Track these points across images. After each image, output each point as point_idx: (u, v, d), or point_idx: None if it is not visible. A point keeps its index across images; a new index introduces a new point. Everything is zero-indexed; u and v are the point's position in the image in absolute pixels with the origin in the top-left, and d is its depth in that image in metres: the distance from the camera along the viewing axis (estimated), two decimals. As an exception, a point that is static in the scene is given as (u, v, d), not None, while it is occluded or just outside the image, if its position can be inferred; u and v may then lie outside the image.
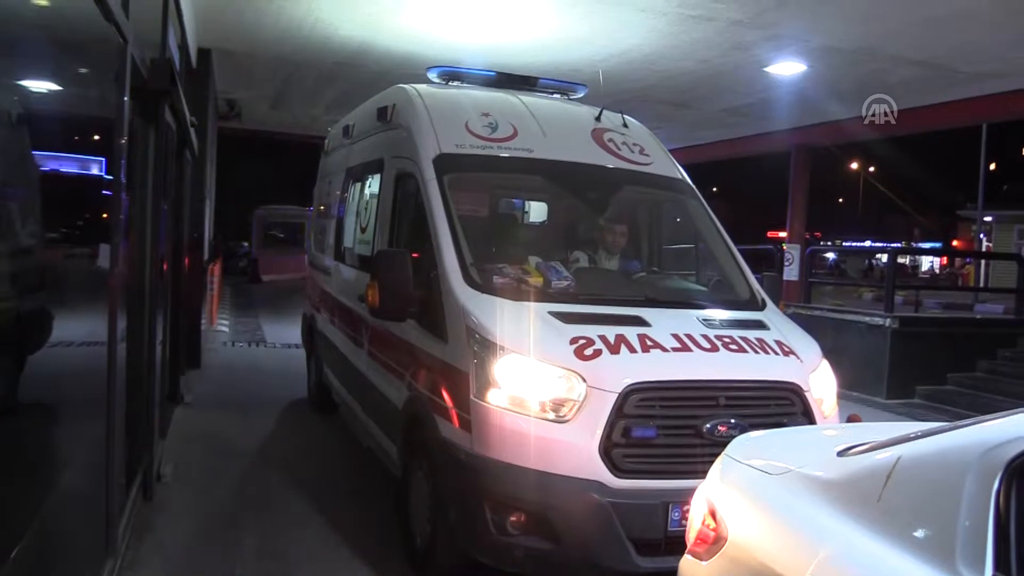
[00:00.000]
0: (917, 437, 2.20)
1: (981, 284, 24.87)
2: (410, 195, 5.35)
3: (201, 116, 10.47)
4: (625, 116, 6.10)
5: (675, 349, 4.16)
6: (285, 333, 12.76)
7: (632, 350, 4.08)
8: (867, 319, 11.23)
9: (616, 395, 3.87)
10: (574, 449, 3.83)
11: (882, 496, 2.04)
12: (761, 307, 5.11)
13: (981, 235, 35.97)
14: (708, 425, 3.95)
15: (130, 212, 4.54)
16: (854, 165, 55.07)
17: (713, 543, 2.46)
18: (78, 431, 3.70)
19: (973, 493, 1.82)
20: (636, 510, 3.82)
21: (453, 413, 4.15)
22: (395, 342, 5.09)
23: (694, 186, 5.94)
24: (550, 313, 4.29)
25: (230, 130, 19.69)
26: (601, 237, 5.53)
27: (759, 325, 4.71)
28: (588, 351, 4.02)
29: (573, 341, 4.07)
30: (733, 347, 4.31)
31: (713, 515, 2.52)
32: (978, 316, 13.87)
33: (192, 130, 8.61)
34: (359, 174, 6.86)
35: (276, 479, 6.04)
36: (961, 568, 1.75)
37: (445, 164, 5.07)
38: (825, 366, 4.63)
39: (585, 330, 4.15)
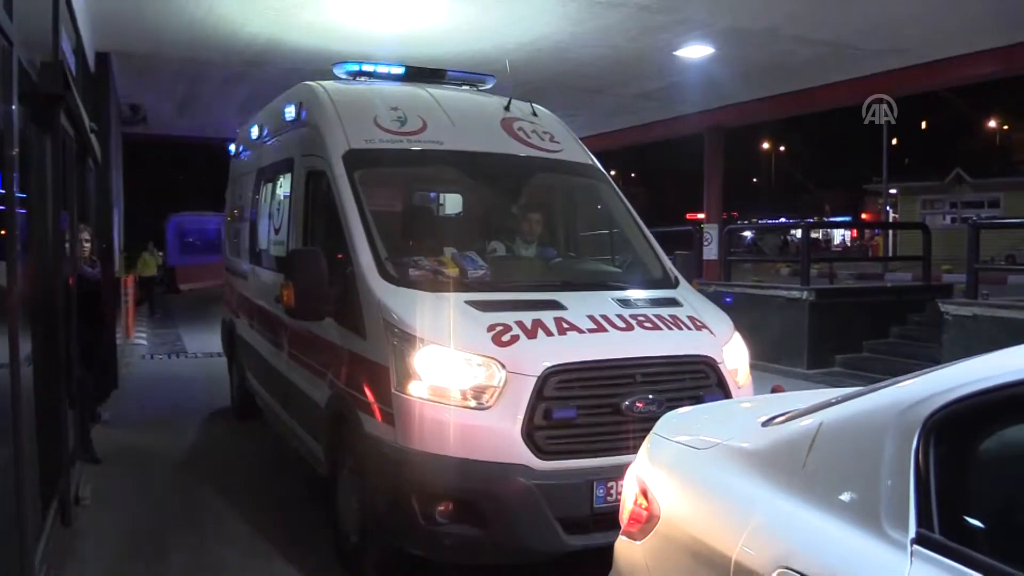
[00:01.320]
0: (837, 402, 2.22)
1: (890, 254, 25.84)
2: (322, 193, 5.29)
3: (102, 122, 10.08)
4: (534, 105, 6.16)
5: (591, 330, 4.23)
6: (206, 341, 12.48)
7: (549, 333, 4.13)
8: (785, 293, 11.56)
9: (535, 378, 3.92)
10: (497, 434, 3.87)
11: (807, 463, 2.06)
12: (674, 285, 5.23)
13: (888, 207, 37.46)
14: (627, 402, 4.03)
15: (28, 225, 4.33)
16: (766, 145, 56.71)
17: (646, 522, 2.47)
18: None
19: (893, 453, 1.84)
20: (561, 490, 3.88)
21: (375, 408, 4.14)
22: (315, 342, 5.05)
23: (604, 171, 6.04)
24: (467, 302, 4.31)
25: (137, 136, 19.14)
26: (516, 226, 5.58)
27: (672, 302, 4.82)
28: (506, 337, 4.06)
29: (491, 328, 4.10)
30: (647, 325, 4.41)
31: (645, 494, 2.53)
32: (889, 284, 14.38)
33: (93, 136, 8.31)
34: (270, 175, 6.75)
35: (202, 492, 5.92)
36: (887, 528, 1.77)
37: (355, 160, 5.05)
38: (737, 338, 4.77)
39: (502, 317, 4.19)
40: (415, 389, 3.98)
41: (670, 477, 2.50)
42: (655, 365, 4.24)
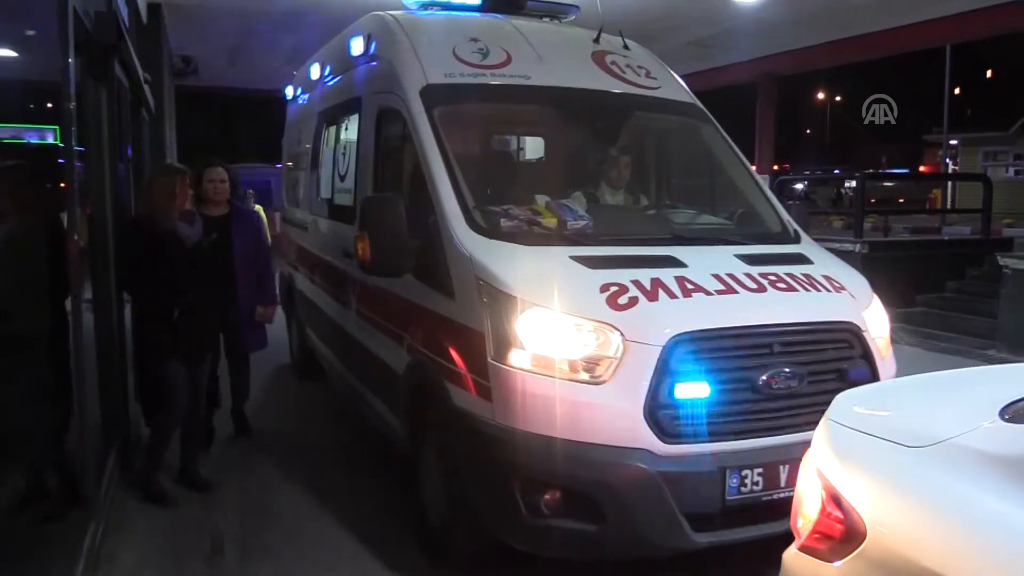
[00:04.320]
0: None
1: (948, 207, 24.68)
2: (396, 134, 4.72)
3: (156, 73, 9.96)
4: (625, 38, 5.48)
5: (719, 292, 3.62)
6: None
7: (672, 295, 3.53)
8: (837, 246, 10.90)
9: (659, 348, 3.32)
10: (614, 413, 3.30)
11: None
12: (796, 240, 4.58)
13: (948, 159, 36.10)
14: (763, 376, 3.43)
15: (86, 177, 4.40)
16: (820, 95, 54.95)
17: (842, 539, 1.90)
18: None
19: None
20: (690, 479, 3.30)
21: (468, 379, 3.59)
22: (391, 300, 4.51)
23: (707, 111, 5.36)
24: (572, 258, 3.72)
25: (189, 87, 18.78)
26: (605, 171, 4.96)
27: (801, 259, 4.18)
28: (622, 299, 3.47)
29: (604, 288, 3.51)
30: (781, 286, 3.78)
31: (837, 502, 1.94)
32: (946, 238, 13.71)
33: (147, 87, 7.99)
34: (334, 117, 6.19)
35: (260, 459, 5.47)
36: None
37: (434, 96, 4.46)
38: (877, 302, 4.13)
39: (616, 275, 3.59)
40: (516, 359, 3.41)
41: (875, 483, 1.90)
42: (795, 333, 3.61)
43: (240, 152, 25.71)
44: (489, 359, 3.47)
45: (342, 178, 5.79)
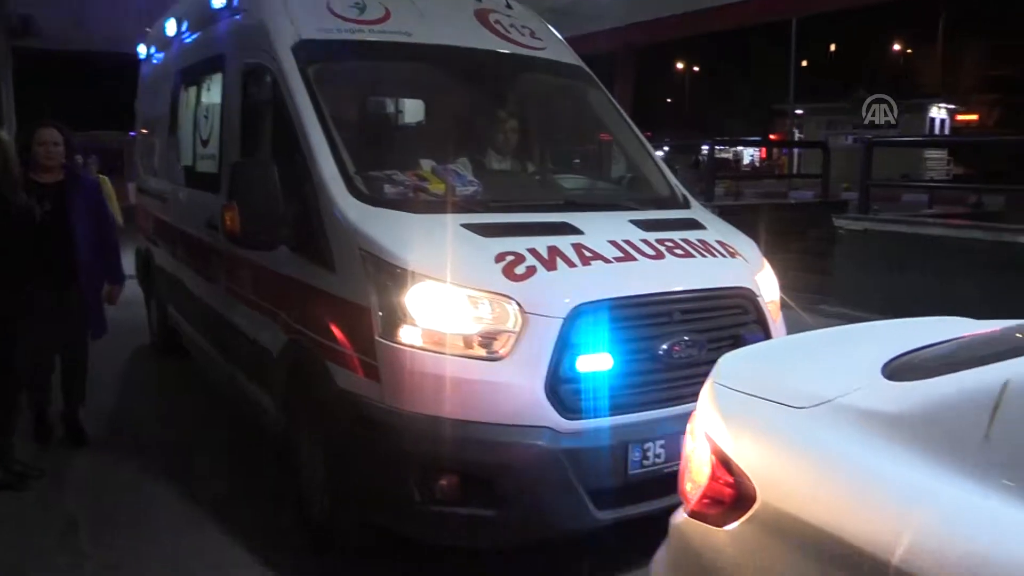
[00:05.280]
0: (1000, 351, 1.64)
1: (795, 173, 25.98)
2: (264, 94, 4.34)
3: None
4: None
5: (617, 259, 3.47)
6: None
7: (571, 264, 3.35)
8: None
9: (560, 320, 3.14)
10: (514, 391, 3.10)
11: (990, 434, 1.47)
12: (686, 205, 4.51)
13: (795, 128, 38.11)
14: (664, 346, 3.31)
15: None
16: (680, 66, 56.82)
17: (733, 504, 1.85)
18: None
19: None
20: (592, 456, 3.15)
21: (353, 359, 3.30)
22: (263, 275, 4.15)
23: (592, 73, 5.20)
24: (463, 226, 3.48)
25: (33, 51, 17.27)
26: (491, 135, 4.74)
27: (694, 225, 4.10)
28: (519, 269, 3.26)
29: (499, 258, 3.29)
30: (678, 252, 3.67)
31: (726, 466, 1.88)
32: (793, 201, 14.41)
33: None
34: (194, 77, 5.68)
35: (120, 447, 4.99)
36: None
37: (307, 53, 4.12)
38: (767, 266, 4.10)
39: (511, 243, 3.38)
40: (406, 336, 3.15)
41: (765, 446, 1.86)
42: (695, 300, 3.52)
43: (92, 119, 23.96)
44: (376, 336, 3.20)
45: (204, 143, 5.33)
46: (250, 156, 4.40)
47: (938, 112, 36.56)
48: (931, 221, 9.10)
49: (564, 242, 3.46)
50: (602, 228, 3.67)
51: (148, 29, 7.67)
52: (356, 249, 3.37)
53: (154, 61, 7.25)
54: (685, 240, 3.78)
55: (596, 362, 3.17)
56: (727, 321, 3.59)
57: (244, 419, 4.90)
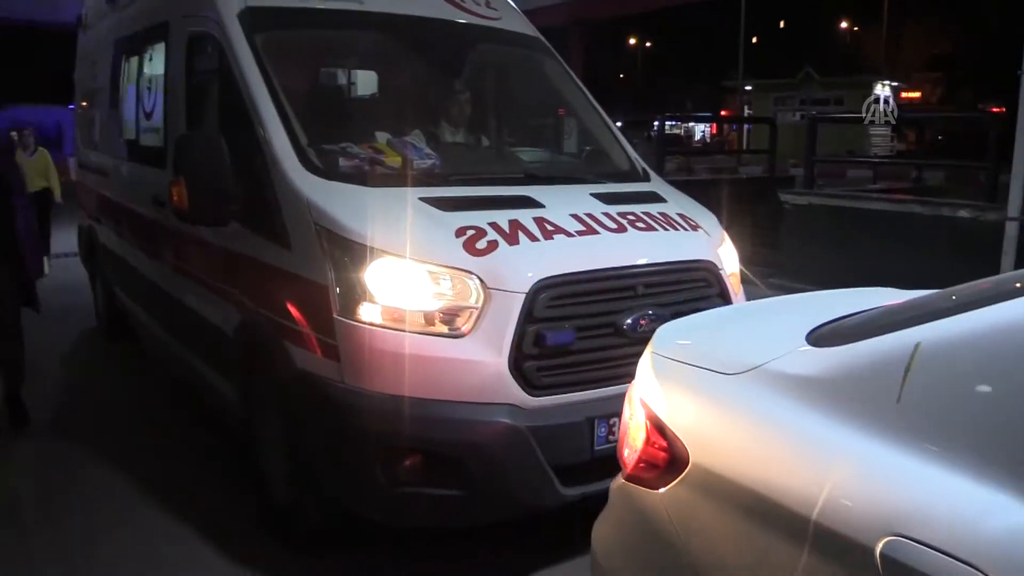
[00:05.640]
0: (917, 315, 1.70)
1: (744, 148, 26.27)
2: (210, 64, 4.17)
3: None
4: None
5: (580, 233, 3.41)
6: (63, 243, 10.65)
7: (533, 238, 3.28)
8: None
9: (523, 296, 3.08)
10: (477, 368, 3.03)
11: (902, 396, 1.53)
12: (646, 178, 4.47)
13: (744, 104, 38.54)
14: (629, 320, 3.27)
15: None
16: (632, 41, 57.03)
17: (666, 467, 1.91)
18: None
19: None
20: (558, 432, 3.10)
21: (311, 338, 3.20)
22: (214, 252, 4.00)
23: (550, 45, 5.11)
24: (422, 200, 3.38)
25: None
26: (445, 108, 4.63)
27: (655, 198, 4.06)
28: (481, 243, 3.18)
29: (460, 233, 3.21)
30: (640, 225, 3.62)
31: (661, 431, 1.94)
32: (743, 176, 14.55)
33: None
34: (135, 46, 5.45)
35: (69, 438, 4.82)
36: None
37: (255, 20, 3.96)
38: (728, 239, 4.09)
39: (471, 218, 3.29)
40: (366, 314, 3.06)
41: (696, 411, 1.93)
42: (658, 273, 3.47)
43: (33, 92, 23.07)
44: (335, 315, 3.10)
45: (148, 116, 5.12)
46: (197, 129, 4.24)
47: (882, 89, 37.23)
48: (873, 196, 9.30)
49: (526, 216, 3.39)
50: (564, 201, 3.61)
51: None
52: (312, 225, 3.26)
53: (93, 29, 6.96)
54: (647, 213, 3.74)
55: (560, 337, 3.12)
56: (691, 294, 3.57)
57: (198, 402, 4.75)
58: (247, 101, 3.68)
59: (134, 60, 5.49)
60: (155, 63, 5.02)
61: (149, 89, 5.11)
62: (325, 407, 3.12)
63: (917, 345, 1.57)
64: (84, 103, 7.37)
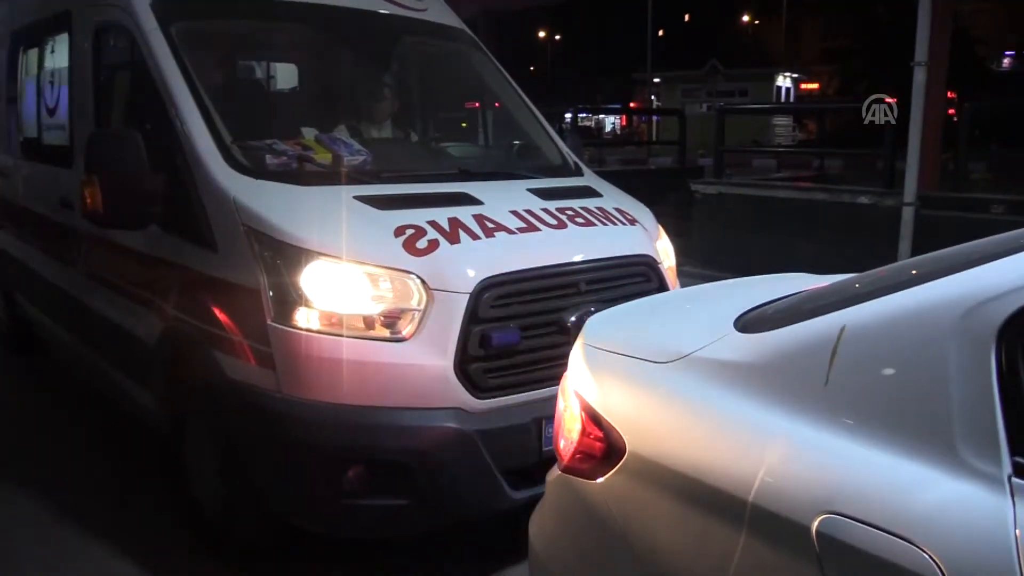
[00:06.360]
0: (847, 299, 1.73)
1: (654, 140, 26.70)
2: (120, 56, 3.97)
3: None
4: None
5: (521, 230, 3.34)
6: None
7: (474, 236, 3.20)
8: None
9: (467, 296, 3.00)
10: (421, 372, 2.93)
11: (829, 379, 1.58)
12: (579, 172, 4.43)
13: (652, 96, 39.32)
14: (573, 317, 3.22)
15: None
16: (542, 34, 57.40)
17: (603, 457, 1.92)
18: None
19: (963, 364, 1.41)
20: (506, 434, 3.03)
21: (244, 346, 3.04)
22: (132, 257, 3.77)
23: (476, 37, 5.03)
24: (357, 198, 3.26)
25: None
26: (369, 102, 4.50)
27: (591, 192, 4.02)
28: (421, 243, 3.08)
29: (399, 232, 3.09)
30: (580, 221, 3.58)
31: (596, 422, 1.94)
32: (653, 167, 14.85)
33: None
34: (34, 37, 5.11)
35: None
36: (969, 459, 1.35)
37: (168, 9, 3.76)
38: (664, 234, 4.09)
39: (409, 216, 3.19)
40: (302, 319, 2.92)
41: (630, 400, 1.96)
42: (600, 269, 3.44)
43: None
44: (269, 321, 2.95)
45: (51, 112, 4.81)
46: (107, 126, 3.99)
47: (784, 81, 38.51)
48: (779, 184, 9.61)
49: (465, 213, 3.30)
50: (502, 198, 3.53)
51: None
52: (240, 226, 3.09)
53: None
54: (585, 208, 3.70)
55: (506, 337, 3.04)
56: (632, 289, 3.54)
57: (117, 416, 4.49)
58: (164, 96, 3.48)
59: (32, 53, 5.16)
60: (57, 56, 4.72)
61: (52, 83, 4.80)
62: (261, 418, 2.97)
63: (843, 329, 1.60)
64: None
